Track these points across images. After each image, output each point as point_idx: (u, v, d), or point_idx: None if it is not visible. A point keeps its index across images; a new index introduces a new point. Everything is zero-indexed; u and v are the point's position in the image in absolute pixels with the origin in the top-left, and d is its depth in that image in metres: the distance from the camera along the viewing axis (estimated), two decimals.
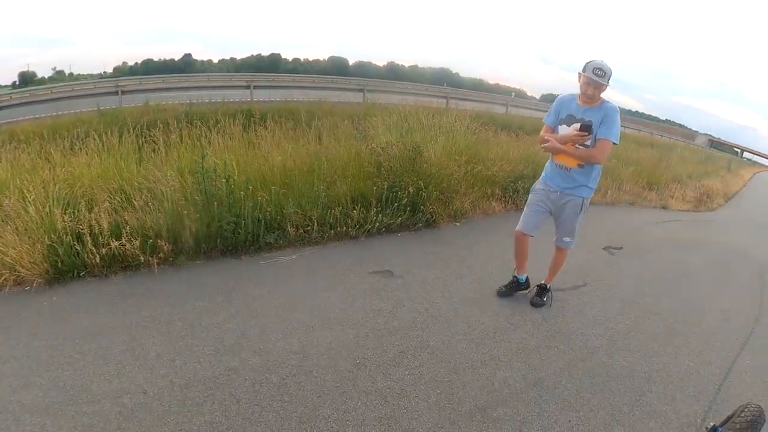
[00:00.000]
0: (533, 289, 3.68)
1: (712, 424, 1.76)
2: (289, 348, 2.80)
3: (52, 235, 3.56)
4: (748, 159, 36.31)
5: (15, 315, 3.12)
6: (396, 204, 4.71)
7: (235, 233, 3.93)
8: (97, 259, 3.51)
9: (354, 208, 4.55)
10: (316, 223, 4.33)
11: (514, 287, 3.67)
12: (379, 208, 4.62)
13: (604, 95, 3.12)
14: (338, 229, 4.37)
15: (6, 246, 3.49)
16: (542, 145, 3.26)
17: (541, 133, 3.33)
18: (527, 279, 3.69)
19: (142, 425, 2.21)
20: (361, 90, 14.02)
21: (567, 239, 3.43)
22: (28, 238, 3.57)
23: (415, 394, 2.49)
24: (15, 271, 3.44)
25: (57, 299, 3.28)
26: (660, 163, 11.87)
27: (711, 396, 2.79)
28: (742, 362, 3.22)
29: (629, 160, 10.30)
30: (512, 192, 5.46)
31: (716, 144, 38.61)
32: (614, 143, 3.07)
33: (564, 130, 3.19)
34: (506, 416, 2.41)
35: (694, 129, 43.18)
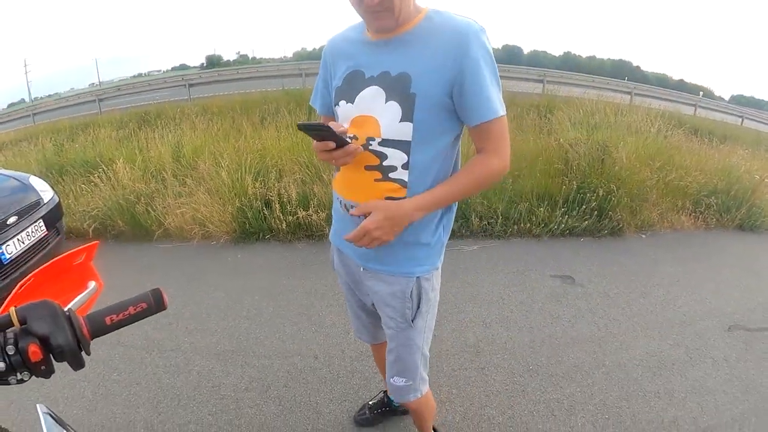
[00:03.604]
0: None
1: None
2: (463, 340, 2.75)
3: (243, 199, 3.93)
4: None
5: (200, 265, 3.50)
6: (583, 206, 4.36)
7: None
8: (284, 225, 3.79)
9: (540, 206, 4.35)
10: (500, 217, 4.23)
11: (384, 410, 2.18)
12: (565, 209, 4.34)
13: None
14: (521, 225, 4.22)
15: (198, 203, 3.94)
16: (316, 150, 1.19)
17: None
18: None
19: (308, 387, 2.32)
20: (541, 81, 13.35)
21: (398, 381, 1.50)
22: (219, 198, 3.98)
23: (582, 414, 2.27)
24: (204, 227, 3.87)
25: (242, 257, 3.61)
26: None
27: None
28: None
29: None
30: (704, 207, 4.76)
31: None
32: (502, 115, 1.22)
33: (348, 113, 1.25)
34: None
35: None
